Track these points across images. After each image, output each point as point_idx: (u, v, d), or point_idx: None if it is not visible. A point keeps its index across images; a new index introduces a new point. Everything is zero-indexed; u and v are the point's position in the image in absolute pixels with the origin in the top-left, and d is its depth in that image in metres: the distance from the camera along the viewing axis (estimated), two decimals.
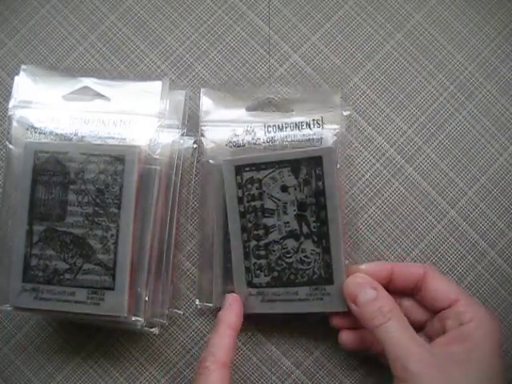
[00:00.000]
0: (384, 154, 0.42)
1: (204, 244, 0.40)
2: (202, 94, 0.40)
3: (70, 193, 0.36)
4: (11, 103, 0.38)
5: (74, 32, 0.43)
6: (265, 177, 0.37)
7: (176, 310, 0.40)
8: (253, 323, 0.40)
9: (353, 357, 0.39)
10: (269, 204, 0.37)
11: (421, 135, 0.42)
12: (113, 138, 0.37)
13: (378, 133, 0.42)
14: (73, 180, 0.36)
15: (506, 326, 0.40)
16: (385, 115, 0.42)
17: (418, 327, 0.35)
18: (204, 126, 0.40)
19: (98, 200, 0.36)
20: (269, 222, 0.37)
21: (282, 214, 0.37)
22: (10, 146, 0.37)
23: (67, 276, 0.35)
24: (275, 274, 0.37)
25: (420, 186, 0.41)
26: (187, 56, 0.42)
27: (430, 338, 0.35)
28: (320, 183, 0.36)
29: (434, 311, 0.35)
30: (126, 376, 0.40)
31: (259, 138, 0.39)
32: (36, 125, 0.38)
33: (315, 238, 0.37)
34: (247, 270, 0.37)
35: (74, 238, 0.36)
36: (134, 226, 0.36)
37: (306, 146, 0.39)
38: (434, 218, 0.41)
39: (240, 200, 0.37)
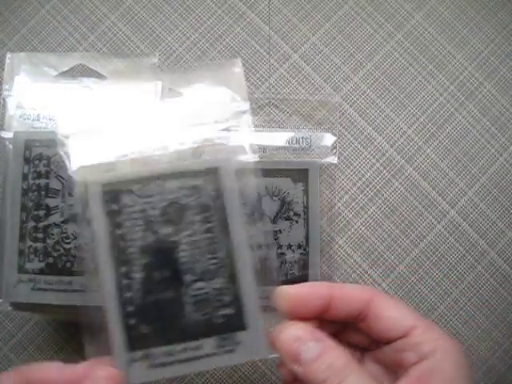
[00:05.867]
0: (384, 154, 0.42)
1: None
2: None
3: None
4: (4, 90, 0.37)
5: (74, 32, 0.43)
6: (55, 155, 0.34)
7: None
8: None
9: None
10: (55, 184, 0.34)
11: (421, 135, 0.42)
12: None
13: (378, 133, 0.42)
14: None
15: (505, 325, 0.40)
16: (385, 115, 0.42)
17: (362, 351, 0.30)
18: None
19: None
20: (52, 202, 0.34)
21: (67, 196, 0.34)
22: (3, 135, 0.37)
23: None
24: (50, 260, 0.34)
25: (420, 186, 0.41)
26: (187, 56, 0.42)
27: (383, 367, 0.29)
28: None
29: (386, 341, 0.29)
30: None
31: None
32: (29, 112, 0.37)
33: None
34: (21, 253, 0.34)
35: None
36: None
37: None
38: (434, 217, 0.41)
39: (25, 177, 0.35)
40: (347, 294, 0.28)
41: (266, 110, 0.41)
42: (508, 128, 0.42)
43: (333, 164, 0.40)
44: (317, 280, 0.39)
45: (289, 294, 0.28)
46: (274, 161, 0.40)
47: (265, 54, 0.43)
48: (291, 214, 0.39)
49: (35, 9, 0.43)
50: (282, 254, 0.39)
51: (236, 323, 0.28)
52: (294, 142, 0.41)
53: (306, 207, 0.39)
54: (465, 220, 0.41)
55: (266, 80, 0.42)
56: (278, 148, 0.40)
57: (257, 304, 0.29)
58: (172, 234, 0.29)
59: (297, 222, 0.39)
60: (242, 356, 0.28)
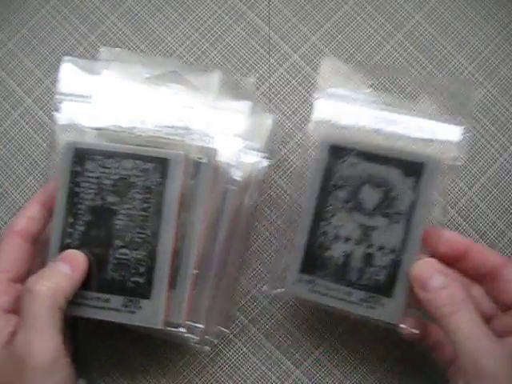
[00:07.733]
0: None
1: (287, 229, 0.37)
2: (322, 64, 0.37)
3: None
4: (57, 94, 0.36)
5: (74, 32, 0.43)
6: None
7: (223, 329, 0.38)
8: (251, 323, 0.40)
9: (353, 357, 0.39)
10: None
11: None
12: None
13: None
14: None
15: None
16: None
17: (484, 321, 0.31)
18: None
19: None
20: None
21: None
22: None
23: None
24: None
25: None
26: (187, 56, 0.42)
27: (498, 335, 0.31)
28: None
29: (507, 307, 0.33)
30: (127, 376, 0.40)
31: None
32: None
33: None
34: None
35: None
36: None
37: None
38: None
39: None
40: (483, 254, 0.34)
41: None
42: (508, 128, 0.42)
43: (456, 166, 0.35)
44: (403, 292, 0.33)
45: (439, 232, 0.34)
46: (386, 146, 0.34)
47: (265, 53, 0.43)
48: (392, 211, 0.34)
49: (35, 9, 0.43)
50: (370, 254, 0.34)
51: (142, 291, 0.33)
52: (415, 129, 0.34)
53: (412, 207, 0.33)
54: (465, 220, 0.41)
55: (266, 80, 0.42)
56: (393, 133, 0.35)
57: (165, 282, 0.33)
58: (115, 203, 0.34)
59: (397, 221, 0.33)
60: (140, 319, 0.33)
